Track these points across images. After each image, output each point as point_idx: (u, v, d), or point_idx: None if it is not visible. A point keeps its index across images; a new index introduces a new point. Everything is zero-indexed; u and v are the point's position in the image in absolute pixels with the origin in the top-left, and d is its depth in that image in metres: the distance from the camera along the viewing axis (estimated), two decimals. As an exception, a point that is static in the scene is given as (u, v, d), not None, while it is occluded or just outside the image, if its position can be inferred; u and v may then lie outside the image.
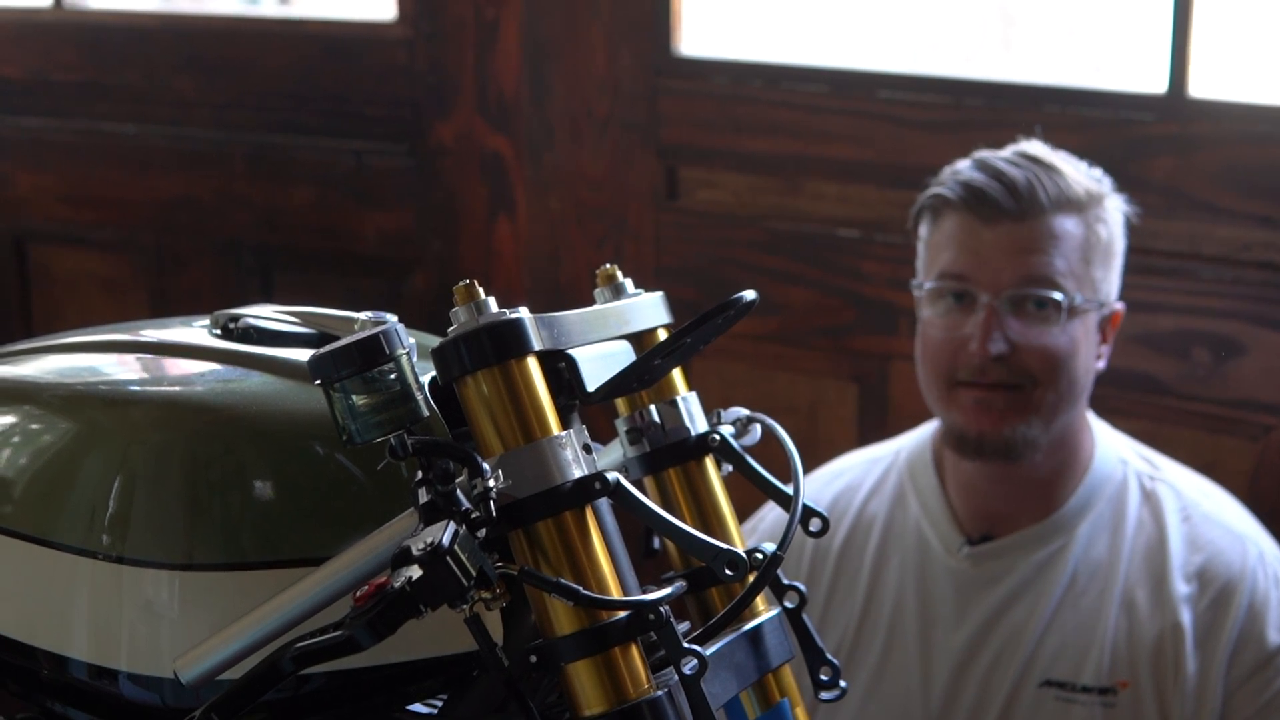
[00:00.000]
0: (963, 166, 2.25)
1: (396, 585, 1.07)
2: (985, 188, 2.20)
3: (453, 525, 1.08)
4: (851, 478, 2.45)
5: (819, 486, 2.45)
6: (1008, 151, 2.25)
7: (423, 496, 1.11)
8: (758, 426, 1.36)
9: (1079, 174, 2.24)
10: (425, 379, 1.15)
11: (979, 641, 2.28)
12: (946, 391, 2.25)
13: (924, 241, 2.29)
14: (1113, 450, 2.33)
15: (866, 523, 2.38)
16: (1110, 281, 2.26)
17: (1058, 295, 2.18)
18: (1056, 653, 2.25)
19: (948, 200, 2.23)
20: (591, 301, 1.32)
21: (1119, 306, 2.28)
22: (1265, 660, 2.20)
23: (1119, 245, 2.26)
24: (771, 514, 2.42)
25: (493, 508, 1.10)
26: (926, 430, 2.40)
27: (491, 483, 1.10)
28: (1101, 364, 2.29)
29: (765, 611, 1.30)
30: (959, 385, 2.23)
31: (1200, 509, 2.29)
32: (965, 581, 2.30)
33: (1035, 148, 2.26)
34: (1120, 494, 2.30)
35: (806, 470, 1.24)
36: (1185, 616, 2.21)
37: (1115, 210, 2.26)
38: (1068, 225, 2.20)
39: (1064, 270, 2.19)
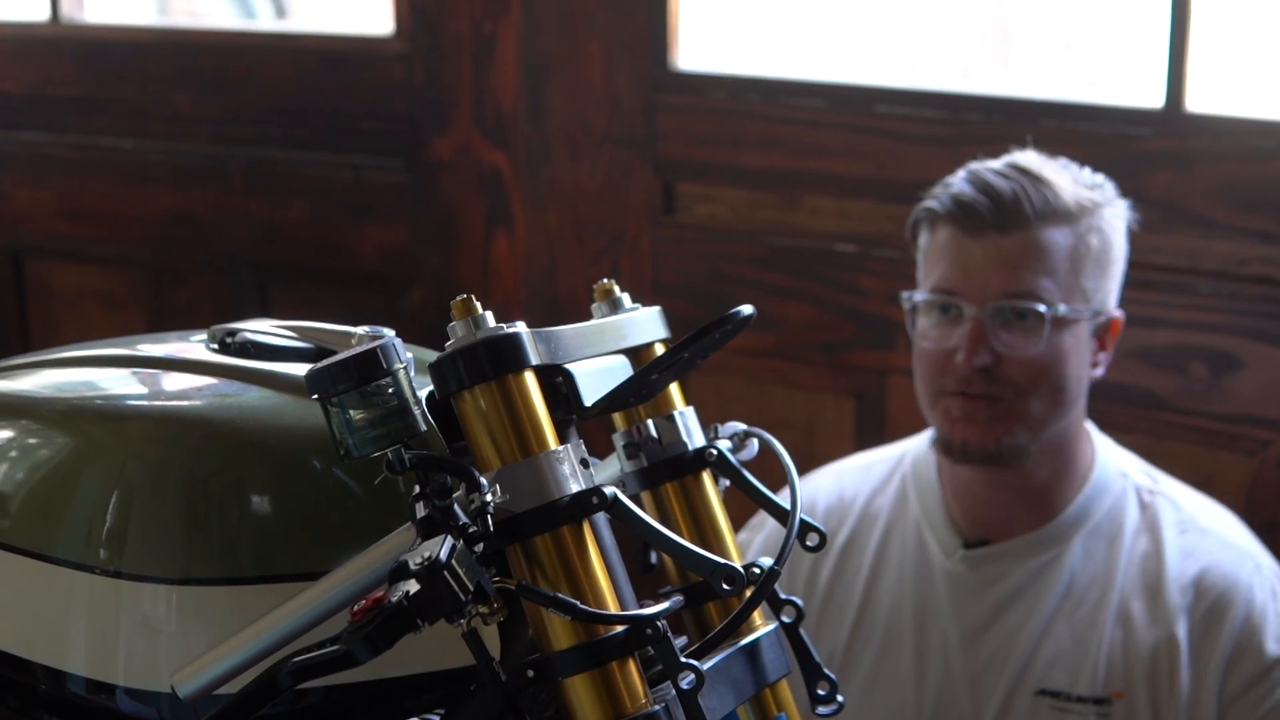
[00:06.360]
0: (955, 179, 2.27)
1: (394, 600, 1.07)
2: (972, 201, 2.21)
3: (450, 540, 1.08)
4: (857, 475, 2.47)
5: (825, 483, 2.46)
6: (1000, 163, 2.26)
7: (420, 511, 1.11)
8: (755, 441, 1.36)
9: (1071, 184, 2.24)
10: (423, 394, 1.15)
11: (972, 644, 2.29)
12: (934, 399, 2.27)
13: (921, 251, 2.30)
14: (1114, 463, 2.34)
15: (870, 520, 2.40)
16: (1106, 290, 2.26)
17: (1040, 307, 2.19)
18: (1051, 662, 2.25)
19: (937, 213, 2.25)
20: (589, 316, 1.32)
21: (1117, 314, 2.28)
22: (1263, 672, 2.20)
23: (1117, 253, 2.27)
24: (772, 520, 2.42)
25: (490, 522, 1.10)
26: (931, 434, 2.41)
27: (489, 497, 1.10)
28: (1099, 371, 2.29)
29: (762, 626, 1.30)
30: (946, 394, 2.24)
31: (1198, 523, 2.30)
32: (961, 585, 2.31)
33: (1028, 158, 2.27)
34: (1119, 505, 2.30)
35: (802, 479, 1.24)
36: (1180, 628, 2.22)
37: (1114, 218, 2.26)
38: (1055, 237, 2.21)
39: (1048, 282, 2.20)
